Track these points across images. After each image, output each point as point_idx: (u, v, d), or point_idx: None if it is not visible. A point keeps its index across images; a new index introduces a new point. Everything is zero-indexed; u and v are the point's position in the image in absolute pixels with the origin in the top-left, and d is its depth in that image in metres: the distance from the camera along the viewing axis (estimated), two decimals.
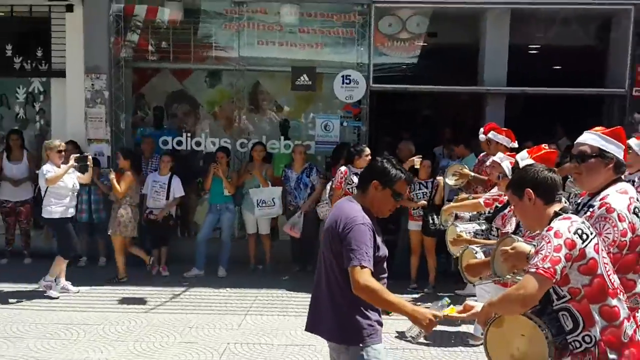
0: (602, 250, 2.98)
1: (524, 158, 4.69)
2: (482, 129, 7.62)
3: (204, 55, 9.66)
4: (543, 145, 5.05)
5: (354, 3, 9.10)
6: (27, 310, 7.04)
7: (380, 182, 3.49)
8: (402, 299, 3.41)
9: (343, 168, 7.88)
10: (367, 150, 7.95)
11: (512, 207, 3.22)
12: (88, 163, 7.70)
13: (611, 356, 2.88)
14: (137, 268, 8.45)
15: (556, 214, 3.02)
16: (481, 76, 9.28)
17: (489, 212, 5.83)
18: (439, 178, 7.98)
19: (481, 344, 3.10)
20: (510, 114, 9.29)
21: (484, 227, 5.35)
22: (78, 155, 7.80)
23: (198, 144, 9.44)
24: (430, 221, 7.79)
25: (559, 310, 2.95)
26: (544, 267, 2.78)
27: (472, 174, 7.32)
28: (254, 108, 9.95)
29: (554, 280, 2.79)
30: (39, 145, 9.47)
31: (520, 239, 4.05)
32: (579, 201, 3.56)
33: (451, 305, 3.30)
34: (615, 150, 3.37)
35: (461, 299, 7.48)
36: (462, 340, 6.05)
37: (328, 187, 8.16)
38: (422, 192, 7.99)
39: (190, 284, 8.12)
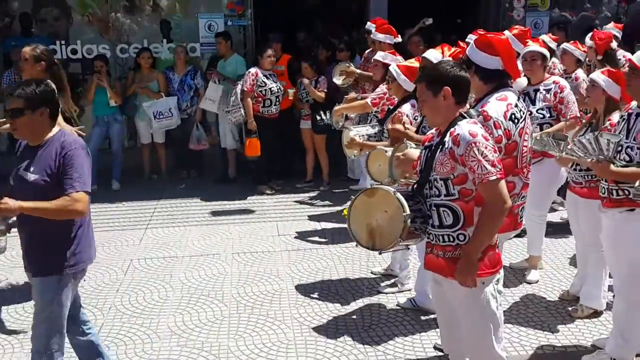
0: None
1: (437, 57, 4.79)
2: (369, 23, 7.64)
3: None
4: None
5: None
6: None
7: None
8: None
9: (253, 69, 7.76)
10: (269, 52, 7.87)
11: (420, 101, 3.22)
12: None
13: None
14: None
15: (462, 116, 3.14)
16: None
17: (376, 111, 6.00)
18: (305, 80, 7.99)
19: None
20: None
21: (376, 129, 5.51)
22: None
23: (74, 51, 8.88)
24: (318, 118, 7.89)
25: (440, 205, 3.14)
26: (499, 171, 3.00)
27: (359, 71, 7.43)
28: (130, 9, 9.41)
29: None
30: None
31: (412, 144, 4.25)
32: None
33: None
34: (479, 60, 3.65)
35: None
36: None
37: (238, 90, 7.79)
38: (306, 92, 8.03)
39: None
